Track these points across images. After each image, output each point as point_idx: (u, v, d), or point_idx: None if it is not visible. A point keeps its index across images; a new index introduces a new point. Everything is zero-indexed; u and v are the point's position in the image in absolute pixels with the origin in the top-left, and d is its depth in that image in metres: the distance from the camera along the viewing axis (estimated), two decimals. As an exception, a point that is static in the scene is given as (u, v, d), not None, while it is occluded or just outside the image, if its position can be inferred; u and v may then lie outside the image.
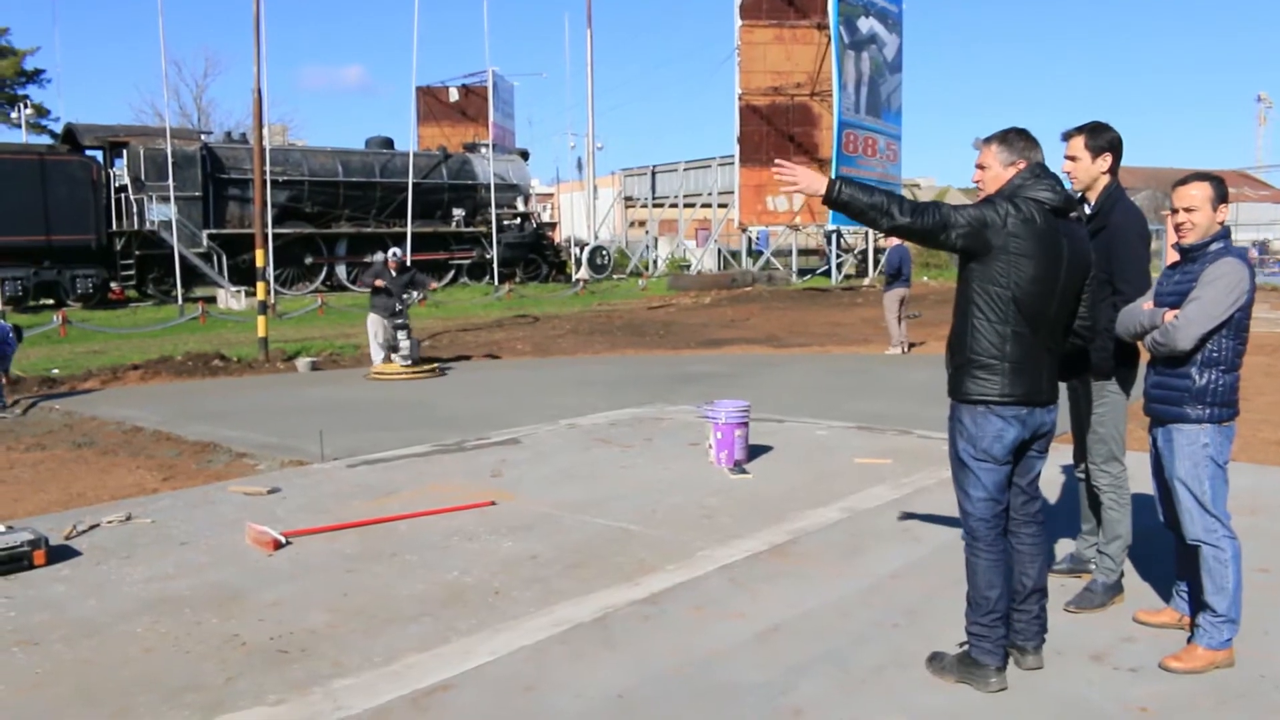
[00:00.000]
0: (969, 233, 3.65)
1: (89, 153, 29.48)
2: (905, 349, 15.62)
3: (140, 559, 5.51)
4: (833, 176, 3.81)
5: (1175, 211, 4.06)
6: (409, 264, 14.96)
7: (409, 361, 13.59)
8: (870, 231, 36.98)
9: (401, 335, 13.66)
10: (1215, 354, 3.93)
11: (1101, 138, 4.51)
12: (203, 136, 34.31)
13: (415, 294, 14.68)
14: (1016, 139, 3.82)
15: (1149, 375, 4.15)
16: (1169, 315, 3.97)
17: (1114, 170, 4.56)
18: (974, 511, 3.83)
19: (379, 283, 13.86)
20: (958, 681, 3.81)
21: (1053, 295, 3.70)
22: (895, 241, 16.74)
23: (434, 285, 14.91)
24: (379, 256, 14.65)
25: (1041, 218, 3.66)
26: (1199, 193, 3.99)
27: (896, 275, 15.65)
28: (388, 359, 13.84)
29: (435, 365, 14.16)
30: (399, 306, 13.93)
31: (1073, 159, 4.55)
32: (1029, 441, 3.83)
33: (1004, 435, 3.74)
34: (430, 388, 12.63)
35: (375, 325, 14.24)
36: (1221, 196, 3.98)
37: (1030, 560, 3.90)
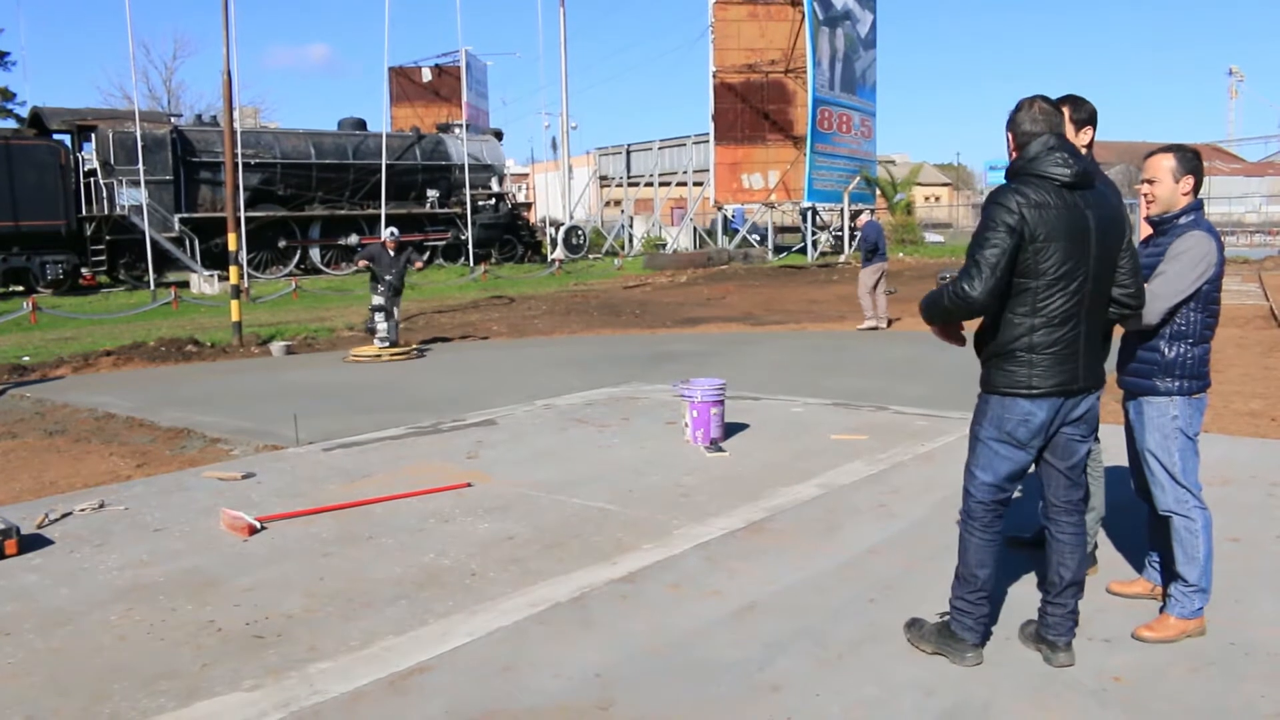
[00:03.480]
0: (1007, 261, 3.45)
1: (56, 136, 29.12)
2: (886, 324, 15.71)
3: (114, 547, 5.46)
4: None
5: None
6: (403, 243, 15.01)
7: (386, 344, 13.58)
8: (844, 208, 37.07)
9: (379, 317, 13.66)
10: (1183, 327, 3.93)
11: (1084, 110, 4.48)
12: (173, 119, 34.00)
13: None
14: (1024, 111, 3.63)
15: (1120, 348, 4.17)
16: None
17: (1090, 144, 4.56)
18: (974, 492, 3.73)
19: (361, 263, 13.95)
20: (934, 652, 3.82)
21: (1086, 276, 3.51)
22: (867, 217, 16.94)
23: (419, 265, 15.02)
24: (384, 235, 14.52)
25: (1055, 196, 3.48)
26: (1160, 164, 4.00)
27: (874, 251, 15.76)
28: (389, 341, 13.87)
29: (413, 348, 14.11)
30: (395, 285, 14.00)
31: None
32: (1060, 425, 3.67)
33: (1031, 419, 3.59)
34: (406, 370, 12.58)
35: None
36: (1187, 169, 3.95)
37: (1070, 551, 3.73)
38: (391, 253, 14.12)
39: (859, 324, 15.89)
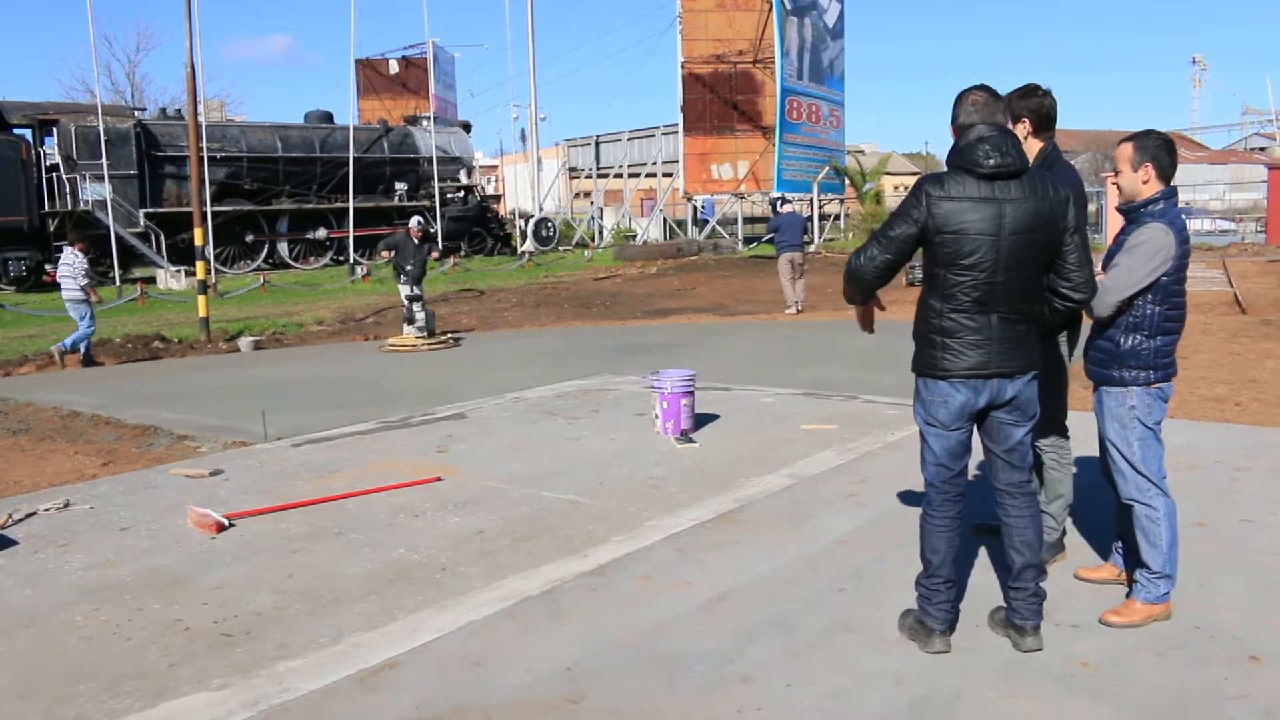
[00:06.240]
0: (901, 244, 3.66)
1: (17, 131, 28.66)
2: (798, 309, 16.54)
3: (79, 546, 5.40)
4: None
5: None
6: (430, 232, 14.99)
7: (424, 333, 13.49)
8: (814, 197, 37.20)
9: (416, 307, 13.60)
10: (1138, 319, 3.92)
11: (1027, 103, 4.51)
12: (136, 113, 33.57)
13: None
14: (961, 102, 3.72)
15: (1087, 338, 4.18)
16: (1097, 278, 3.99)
17: (1051, 134, 4.57)
18: (926, 476, 3.83)
19: (385, 254, 13.93)
20: (908, 638, 3.86)
21: (995, 265, 3.55)
22: (789, 209, 17.79)
23: (435, 255, 15.04)
24: (413, 222, 14.31)
25: (976, 187, 3.55)
26: (1121, 152, 3.99)
27: (780, 239, 16.81)
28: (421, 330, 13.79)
29: (449, 336, 14.02)
30: (417, 274, 13.88)
31: None
32: (988, 409, 3.72)
33: (950, 400, 3.68)
34: (379, 363, 12.50)
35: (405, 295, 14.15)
36: (1145, 157, 3.90)
37: (1019, 533, 3.77)
38: (415, 241, 13.99)
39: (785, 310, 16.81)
